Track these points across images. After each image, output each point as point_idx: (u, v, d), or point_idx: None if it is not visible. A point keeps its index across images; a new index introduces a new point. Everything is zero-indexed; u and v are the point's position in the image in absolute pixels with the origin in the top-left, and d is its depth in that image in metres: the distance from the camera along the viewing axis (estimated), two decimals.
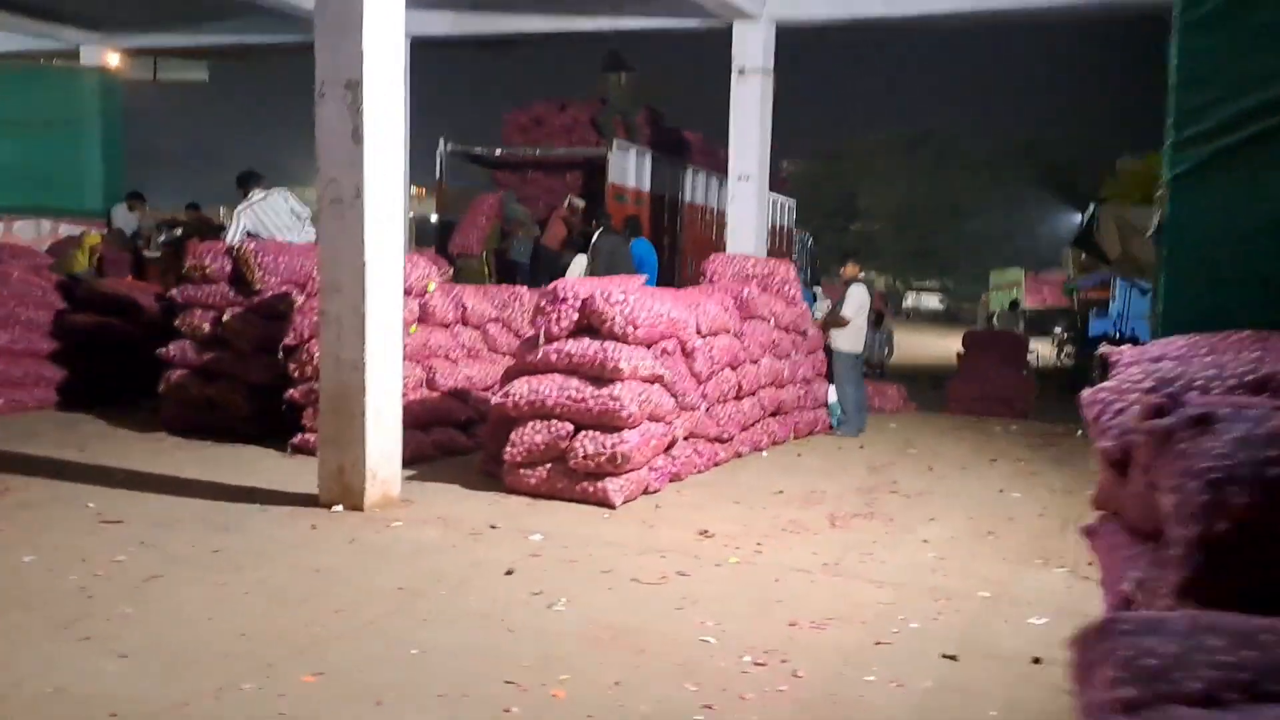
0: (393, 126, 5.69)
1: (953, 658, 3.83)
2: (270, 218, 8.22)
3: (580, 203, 13.52)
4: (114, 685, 3.36)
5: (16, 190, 12.46)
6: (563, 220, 13.66)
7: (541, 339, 6.24)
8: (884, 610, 4.37)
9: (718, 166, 16.64)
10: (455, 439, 7.52)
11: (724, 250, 15.18)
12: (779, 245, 19.18)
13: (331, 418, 5.71)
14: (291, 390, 7.25)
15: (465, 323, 7.76)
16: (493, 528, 5.51)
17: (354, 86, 5.50)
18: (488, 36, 12.23)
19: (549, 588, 4.47)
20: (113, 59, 13.91)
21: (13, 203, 12.85)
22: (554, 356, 6.20)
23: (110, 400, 8.95)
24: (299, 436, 7.24)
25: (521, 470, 6.21)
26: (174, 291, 8.01)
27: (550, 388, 6.12)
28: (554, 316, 6.22)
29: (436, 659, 3.66)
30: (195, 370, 7.89)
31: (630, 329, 6.07)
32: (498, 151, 14.15)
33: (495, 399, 6.24)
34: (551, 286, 6.31)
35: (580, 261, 10.04)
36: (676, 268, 15.05)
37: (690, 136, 16.16)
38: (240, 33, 13.33)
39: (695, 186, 15.74)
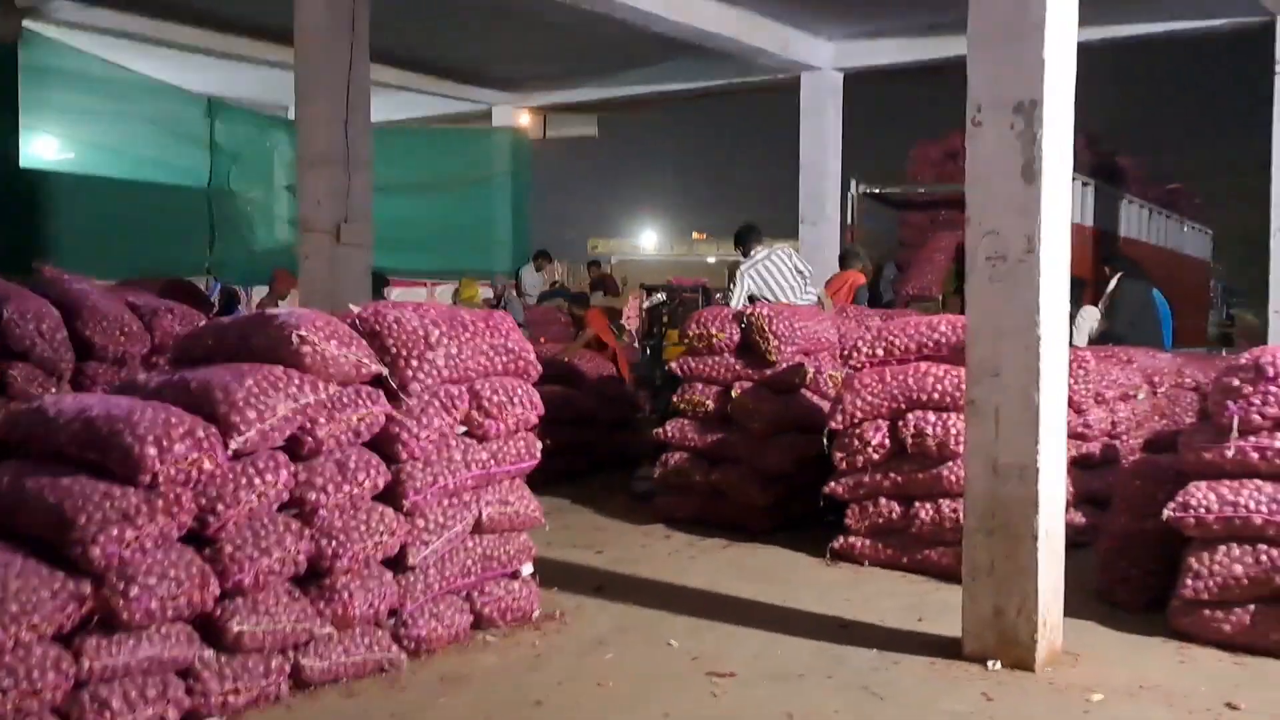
0: (1066, 162, 4.30)
1: None
2: (774, 278, 7.11)
3: None
4: None
5: (437, 253, 12.25)
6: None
7: (1234, 430, 4.62)
8: None
9: (1152, 198, 14.54)
10: None
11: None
12: (1195, 286, 16.55)
13: (982, 542, 4.34)
14: (833, 483, 6.01)
15: None
16: (1231, 707, 3.94)
17: (1028, 109, 4.15)
18: (924, 63, 10.79)
19: None
20: (523, 118, 13.60)
21: (433, 266, 12.70)
22: (1254, 455, 4.57)
23: (570, 477, 8.15)
24: (841, 540, 5.99)
25: (1207, 611, 4.59)
26: (673, 364, 7.02)
27: (1257, 498, 4.50)
28: (1256, 399, 4.60)
29: None
30: (697, 453, 6.85)
31: None
32: (921, 189, 12.67)
33: (1168, 512, 4.67)
34: (1252, 357, 4.70)
35: (1089, 314, 8.35)
36: None
37: (1124, 163, 14.09)
38: (644, 83, 12.61)
39: (1131, 220, 13.64)
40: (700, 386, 6.91)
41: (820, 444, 6.72)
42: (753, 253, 7.22)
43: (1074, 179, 11.85)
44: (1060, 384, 4.32)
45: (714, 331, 6.81)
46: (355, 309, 4.58)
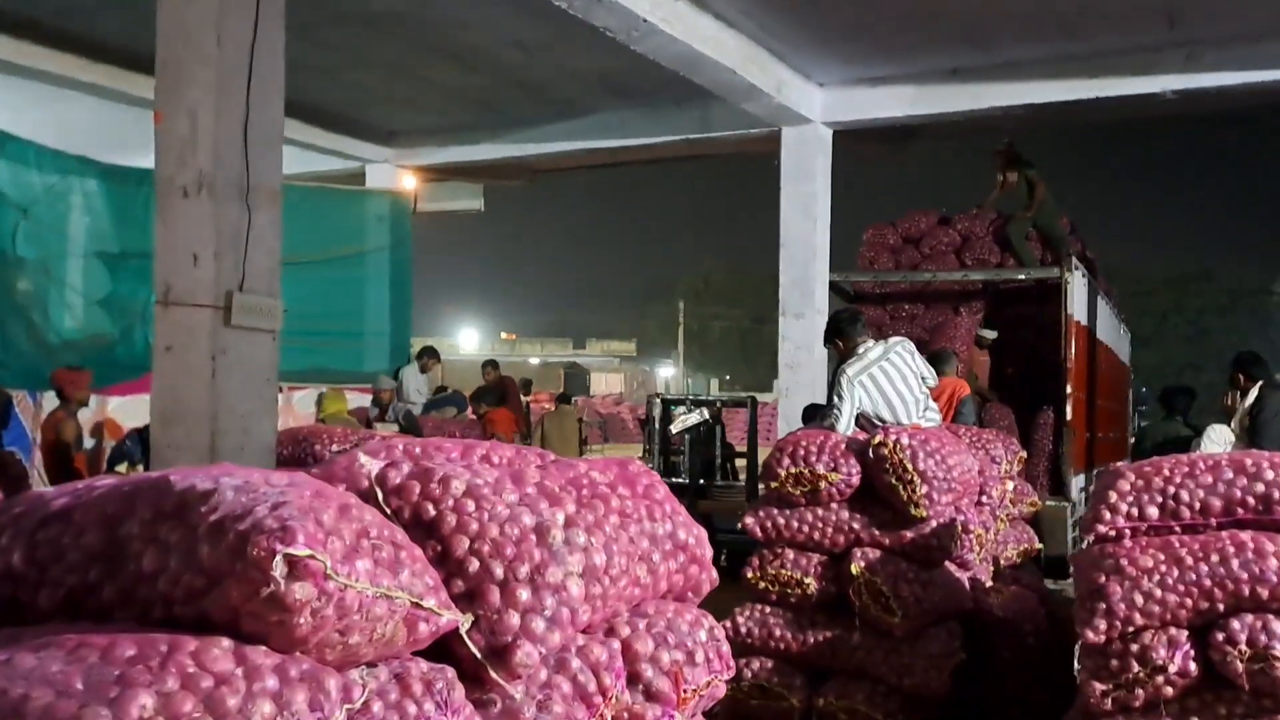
0: None
1: None
2: (895, 388, 4.81)
3: (989, 334, 10.26)
4: None
5: (293, 349, 9.10)
6: (966, 360, 10.25)
7: None
8: None
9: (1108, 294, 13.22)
10: None
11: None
12: (1124, 395, 15.48)
13: None
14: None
15: None
16: None
17: None
18: (936, 118, 8.95)
19: None
20: (408, 181, 10.84)
21: (289, 365, 9.60)
22: None
23: None
24: None
25: None
26: (748, 520, 4.57)
27: None
28: None
29: None
30: (791, 660, 4.44)
31: None
32: (897, 278, 10.79)
33: None
34: None
35: (1220, 435, 6.47)
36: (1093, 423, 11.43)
37: (1093, 256, 12.72)
38: (567, 139, 10.25)
39: (1103, 320, 12.20)
40: (792, 555, 4.52)
41: (970, 644, 4.50)
42: (860, 349, 4.90)
43: (1075, 268, 10.37)
44: None
45: (822, 471, 4.42)
46: (367, 465, 1.99)
